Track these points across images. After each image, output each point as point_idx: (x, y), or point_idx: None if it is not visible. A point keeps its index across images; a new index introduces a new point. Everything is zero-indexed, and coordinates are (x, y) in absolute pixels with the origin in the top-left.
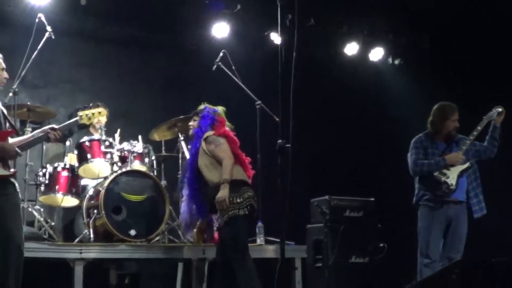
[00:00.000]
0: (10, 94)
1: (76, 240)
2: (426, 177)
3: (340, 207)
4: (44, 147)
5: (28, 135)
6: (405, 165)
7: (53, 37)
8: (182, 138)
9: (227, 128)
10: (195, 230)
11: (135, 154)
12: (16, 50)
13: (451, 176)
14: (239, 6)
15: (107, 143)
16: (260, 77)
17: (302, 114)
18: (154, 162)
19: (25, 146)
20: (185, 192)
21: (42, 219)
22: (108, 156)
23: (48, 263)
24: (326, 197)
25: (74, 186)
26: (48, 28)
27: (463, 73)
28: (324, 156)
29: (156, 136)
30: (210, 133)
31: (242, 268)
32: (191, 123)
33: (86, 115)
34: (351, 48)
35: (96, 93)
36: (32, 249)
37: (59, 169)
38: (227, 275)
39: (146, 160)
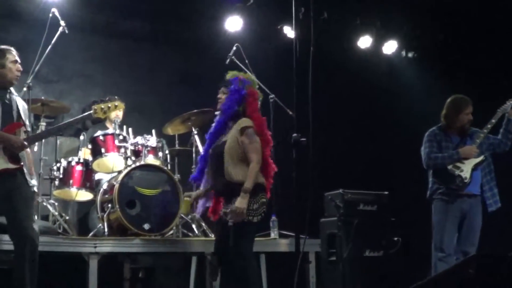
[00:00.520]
0: (24, 89)
1: (91, 234)
2: (440, 170)
3: (354, 201)
4: (58, 141)
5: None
6: (419, 158)
7: (66, 31)
8: (195, 132)
9: (259, 114)
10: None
11: (149, 148)
12: (30, 45)
13: (465, 170)
14: (252, 0)
15: (121, 137)
16: (274, 71)
17: (315, 108)
18: (168, 156)
19: (32, 139)
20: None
21: (56, 213)
22: (122, 150)
23: (62, 257)
24: (340, 190)
25: (88, 180)
26: (62, 22)
27: (477, 66)
28: (337, 149)
29: (169, 130)
30: (249, 122)
31: (244, 275)
32: (219, 95)
33: (102, 108)
34: (364, 41)
35: (109, 87)
36: (47, 243)
37: (73, 163)
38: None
39: (160, 154)
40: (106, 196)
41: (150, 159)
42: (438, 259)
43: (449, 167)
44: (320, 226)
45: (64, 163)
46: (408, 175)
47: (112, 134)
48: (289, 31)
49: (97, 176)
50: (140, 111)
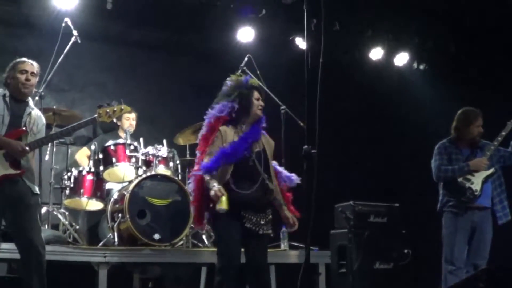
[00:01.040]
0: (36, 98)
1: (100, 244)
2: (451, 183)
3: (364, 212)
4: (70, 150)
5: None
6: (430, 171)
7: (79, 41)
8: None
9: None
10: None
11: (159, 158)
12: (42, 54)
13: (476, 182)
14: (264, 11)
15: (132, 147)
16: (285, 82)
17: (327, 119)
18: (179, 166)
19: (34, 144)
20: None
21: (67, 222)
22: (133, 160)
23: (72, 266)
24: (351, 202)
25: (99, 190)
26: (74, 32)
27: (489, 78)
28: (348, 161)
29: (181, 140)
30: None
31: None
32: (261, 102)
33: (106, 112)
34: (376, 53)
35: (121, 96)
36: (57, 252)
37: (84, 172)
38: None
39: (171, 164)
40: (117, 205)
41: (161, 169)
42: (449, 272)
43: (460, 179)
44: (330, 237)
45: (75, 172)
46: (419, 187)
47: (123, 144)
48: (301, 42)
49: (107, 186)
50: (152, 121)
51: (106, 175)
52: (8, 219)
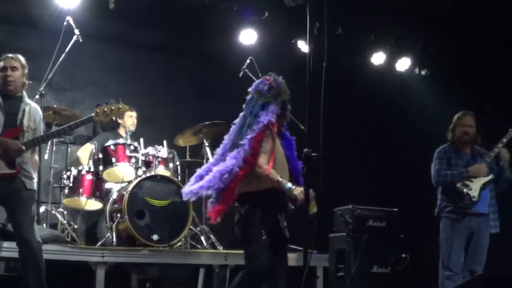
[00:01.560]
0: (37, 97)
1: (99, 244)
2: (449, 188)
3: (363, 216)
4: (69, 150)
5: None
6: (429, 175)
7: (80, 40)
8: (207, 144)
9: None
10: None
11: (159, 159)
12: (44, 52)
13: (474, 188)
14: (267, 14)
15: (132, 147)
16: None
17: (327, 123)
18: (179, 167)
19: (30, 143)
20: None
21: (65, 221)
22: (133, 160)
23: (70, 266)
24: (350, 206)
25: (98, 189)
26: (76, 31)
27: (491, 84)
28: (348, 165)
29: (181, 141)
30: None
31: None
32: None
33: (104, 111)
34: (378, 58)
35: (122, 97)
36: (55, 252)
37: (83, 172)
38: None
39: (171, 165)
40: (116, 206)
41: (161, 170)
42: (446, 278)
43: (458, 185)
44: (329, 241)
45: (74, 171)
46: (418, 192)
47: (123, 144)
48: (303, 46)
49: (107, 186)
50: (152, 121)
51: (105, 175)
52: (8, 216)
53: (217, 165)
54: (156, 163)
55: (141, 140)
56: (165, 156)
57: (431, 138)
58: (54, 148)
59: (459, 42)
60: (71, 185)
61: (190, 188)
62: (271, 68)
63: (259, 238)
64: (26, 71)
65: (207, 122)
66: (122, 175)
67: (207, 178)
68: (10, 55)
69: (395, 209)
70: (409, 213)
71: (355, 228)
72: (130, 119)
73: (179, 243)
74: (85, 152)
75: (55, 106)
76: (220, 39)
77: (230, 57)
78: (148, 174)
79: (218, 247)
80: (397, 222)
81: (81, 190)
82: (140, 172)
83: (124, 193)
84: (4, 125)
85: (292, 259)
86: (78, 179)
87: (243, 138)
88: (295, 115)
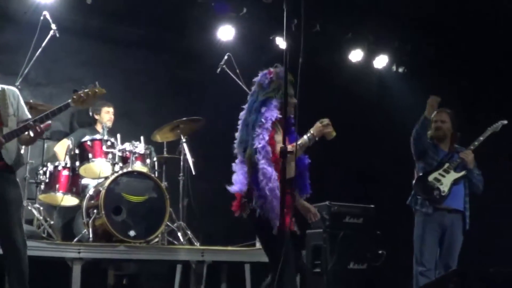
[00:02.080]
0: None
1: (75, 240)
2: (421, 181)
3: (340, 213)
4: (46, 145)
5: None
6: (407, 172)
7: (57, 35)
8: (184, 140)
9: None
10: None
11: (136, 155)
12: (20, 47)
13: (445, 183)
14: (245, 10)
15: (109, 143)
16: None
17: (305, 120)
18: (156, 163)
19: (9, 135)
20: None
21: (41, 217)
22: (110, 156)
23: (46, 262)
24: (327, 203)
25: (74, 185)
26: (53, 26)
27: (467, 82)
28: (325, 162)
29: (158, 137)
30: None
31: None
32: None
33: (81, 96)
34: (356, 55)
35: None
36: (31, 248)
37: (59, 168)
38: None
39: (148, 161)
40: (92, 201)
41: (138, 166)
42: (419, 273)
43: (430, 179)
44: (306, 237)
45: (50, 167)
46: (396, 189)
47: (100, 140)
48: (281, 42)
49: (83, 181)
50: (129, 117)
51: (82, 170)
52: None
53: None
54: (133, 159)
55: (118, 135)
56: (142, 152)
57: (408, 135)
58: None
59: (436, 40)
60: (47, 180)
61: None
62: (249, 65)
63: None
64: None
65: (184, 118)
66: (99, 171)
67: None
68: None
69: (372, 206)
70: (387, 209)
71: (332, 224)
72: (107, 115)
73: (156, 239)
74: (62, 147)
75: (31, 101)
76: (198, 35)
77: (208, 53)
78: (125, 170)
79: (195, 243)
80: (374, 219)
81: (57, 185)
82: (117, 168)
83: (101, 189)
84: None
85: None
86: (55, 174)
87: (250, 136)
88: None
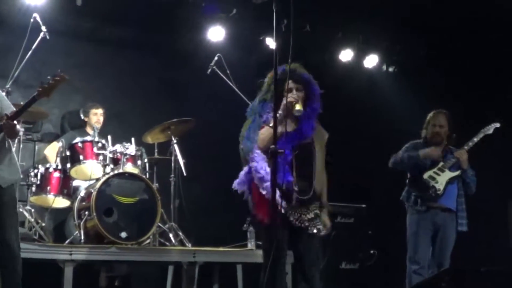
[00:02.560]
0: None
1: (67, 242)
2: (416, 178)
3: (331, 213)
4: (36, 147)
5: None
6: (399, 172)
7: (47, 37)
8: (175, 141)
9: None
10: None
11: (127, 156)
12: (10, 49)
13: (440, 182)
14: (234, 10)
15: (99, 144)
16: (254, 82)
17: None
18: (147, 164)
19: None
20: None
21: (32, 219)
22: (101, 157)
23: (38, 264)
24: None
25: (65, 187)
26: (43, 28)
27: (460, 82)
28: None
29: (149, 138)
30: (326, 133)
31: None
32: (294, 94)
33: (44, 87)
34: (346, 55)
35: (90, 94)
36: (22, 250)
37: (50, 169)
38: None
39: (139, 162)
40: (83, 203)
41: (129, 167)
42: (413, 272)
43: (425, 176)
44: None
45: (41, 169)
46: (387, 188)
47: (91, 141)
48: (271, 43)
49: (74, 183)
50: (120, 118)
51: (73, 172)
52: None
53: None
54: (124, 160)
55: (109, 137)
56: (133, 153)
57: (399, 134)
58: (21, 146)
59: (427, 40)
60: (38, 182)
61: None
62: (239, 65)
63: None
64: None
65: (175, 119)
66: (90, 172)
67: None
68: None
69: (363, 206)
70: (378, 209)
71: None
72: (95, 117)
73: (148, 241)
74: (52, 150)
75: (22, 103)
76: (188, 36)
77: (198, 54)
78: (116, 172)
79: (187, 244)
80: (365, 219)
81: (48, 187)
82: (108, 169)
83: (92, 190)
84: None
85: (259, 255)
86: (46, 176)
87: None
88: None
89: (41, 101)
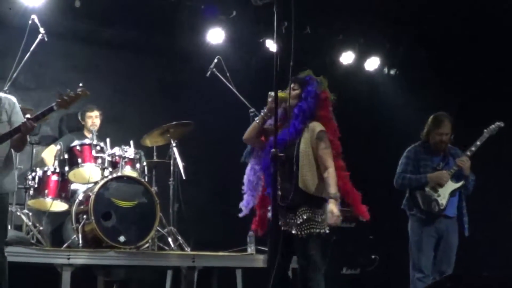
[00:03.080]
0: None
1: (64, 246)
2: (417, 192)
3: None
4: (34, 150)
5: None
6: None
7: (46, 39)
8: (174, 144)
9: (333, 119)
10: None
11: (126, 160)
12: (8, 51)
13: (443, 195)
14: (234, 12)
15: (98, 147)
16: (254, 84)
17: None
18: (146, 168)
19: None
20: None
21: (30, 223)
22: (99, 161)
23: (35, 268)
24: None
25: (63, 190)
26: (41, 30)
27: (461, 84)
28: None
29: (148, 141)
30: (321, 127)
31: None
32: (291, 92)
33: (64, 99)
34: (347, 57)
35: (88, 96)
36: (20, 254)
37: (48, 173)
38: None
39: (138, 165)
40: (82, 207)
41: (127, 171)
42: (417, 279)
43: (427, 189)
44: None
45: (39, 172)
46: (388, 192)
47: (89, 145)
48: (271, 45)
49: (73, 187)
50: (119, 121)
51: (71, 175)
52: None
53: None
54: (123, 163)
55: (108, 140)
56: (132, 156)
57: (400, 138)
58: None
59: (428, 42)
60: (36, 186)
61: None
62: (239, 68)
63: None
64: None
65: (174, 122)
66: (88, 175)
67: None
68: None
69: None
70: (378, 213)
71: None
72: (89, 120)
73: (146, 245)
74: (50, 153)
75: (20, 106)
76: (188, 38)
77: (197, 56)
78: (114, 175)
79: (186, 249)
80: (367, 223)
81: (46, 191)
82: (106, 172)
83: (90, 194)
84: None
85: (261, 260)
86: (44, 180)
87: None
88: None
89: (40, 103)
